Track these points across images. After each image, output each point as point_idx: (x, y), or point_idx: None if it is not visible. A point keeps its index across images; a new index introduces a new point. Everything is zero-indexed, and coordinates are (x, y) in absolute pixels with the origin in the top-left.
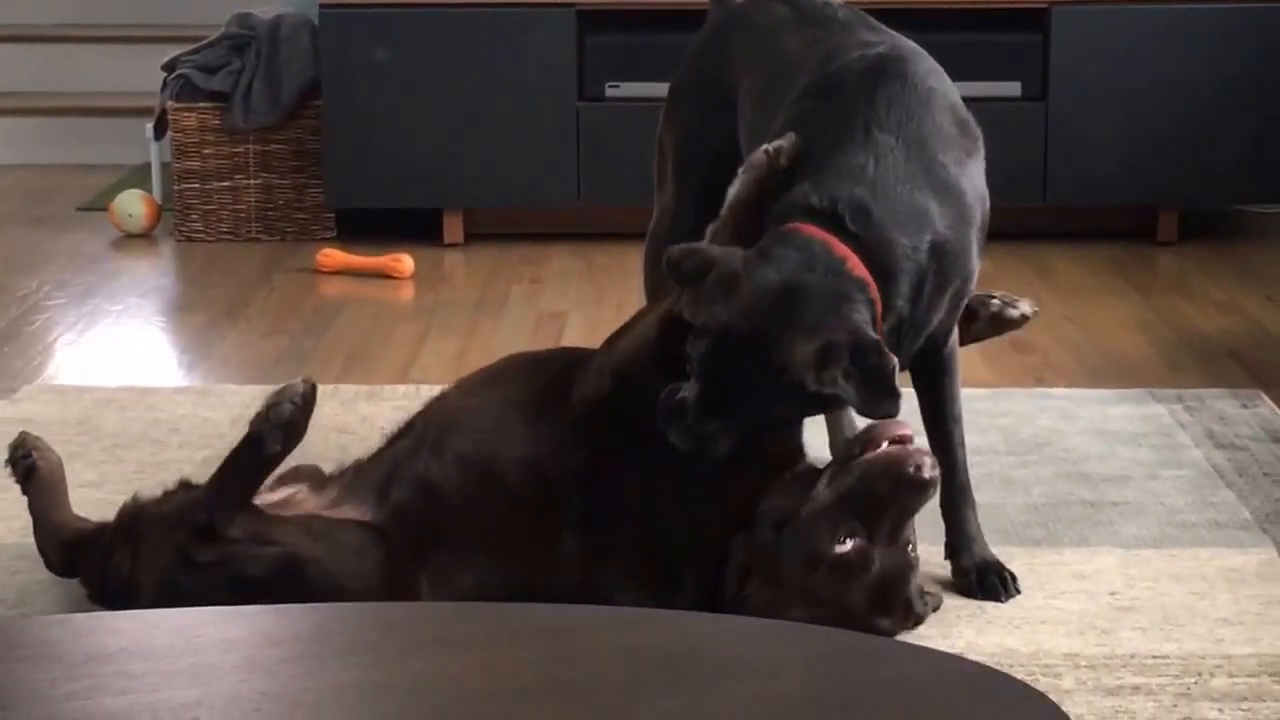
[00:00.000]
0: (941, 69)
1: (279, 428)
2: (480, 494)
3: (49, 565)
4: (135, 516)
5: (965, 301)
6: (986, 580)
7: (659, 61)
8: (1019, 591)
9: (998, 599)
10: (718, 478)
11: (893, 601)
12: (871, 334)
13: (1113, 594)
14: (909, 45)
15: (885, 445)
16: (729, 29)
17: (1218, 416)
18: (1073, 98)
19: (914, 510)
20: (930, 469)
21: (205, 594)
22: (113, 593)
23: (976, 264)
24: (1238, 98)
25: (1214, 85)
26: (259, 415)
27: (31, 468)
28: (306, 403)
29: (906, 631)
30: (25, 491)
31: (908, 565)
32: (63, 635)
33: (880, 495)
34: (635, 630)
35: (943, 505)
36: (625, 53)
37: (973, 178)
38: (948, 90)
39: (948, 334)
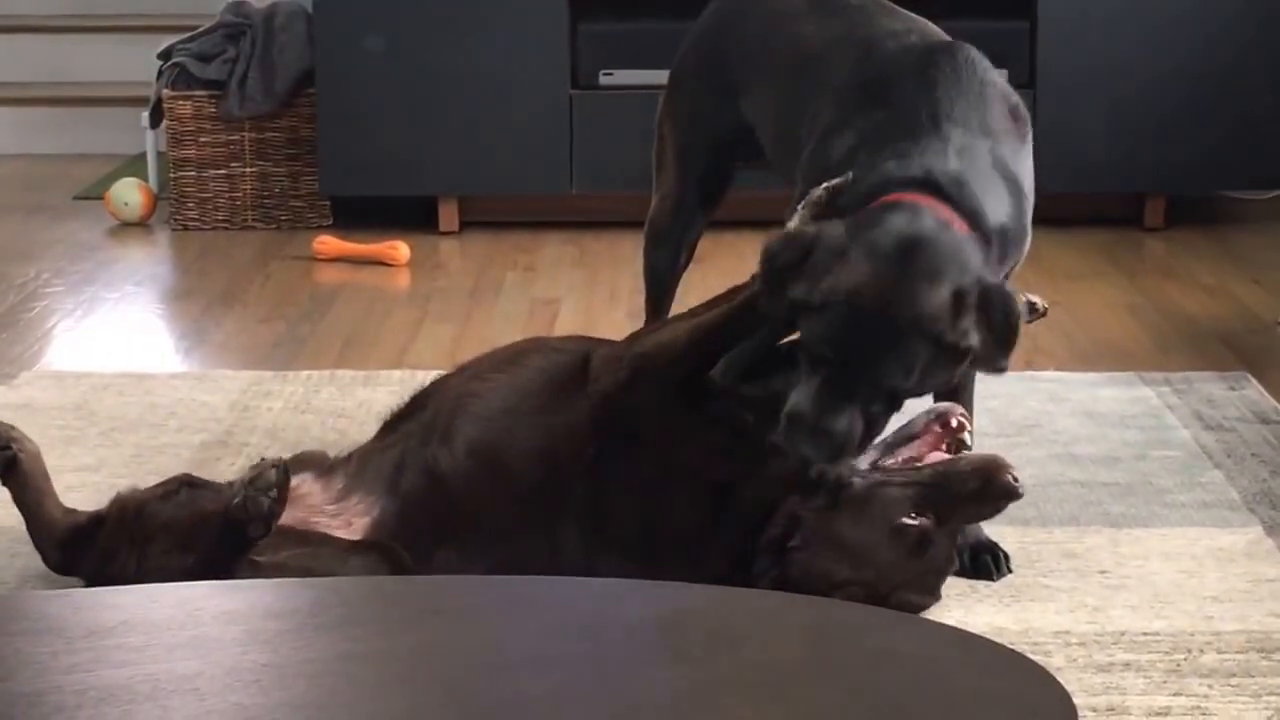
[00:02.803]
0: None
1: (258, 516)
2: (489, 484)
3: (46, 562)
4: (136, 513)
5: (1016, 271)
6: (979, 559)
7: (652, 49)
8: (1010, 570)
9: (989, 578)
10: (726, 477)
11: (932, 585)
12: (990, 276)
13: (1102, 572)
14: (936, 30)
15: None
16: (732, 15)
17: (1206, 399)
18: (1060, 85)
19: (992, 514)
20: (1021, 484)
21: None
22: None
23: (1029, 243)
24: (1224, 84)
25: (1201, 71)
26: (232, 503)
27: (12, 459)
28: (282, 479)
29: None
30: (6, 484)
31: (953, 558)
32: (63, 609)
33: (965, 492)
34: (632, 601)
35: None
36: (618, 40)
37: (1027, 164)
38: (997, 78)
39: None
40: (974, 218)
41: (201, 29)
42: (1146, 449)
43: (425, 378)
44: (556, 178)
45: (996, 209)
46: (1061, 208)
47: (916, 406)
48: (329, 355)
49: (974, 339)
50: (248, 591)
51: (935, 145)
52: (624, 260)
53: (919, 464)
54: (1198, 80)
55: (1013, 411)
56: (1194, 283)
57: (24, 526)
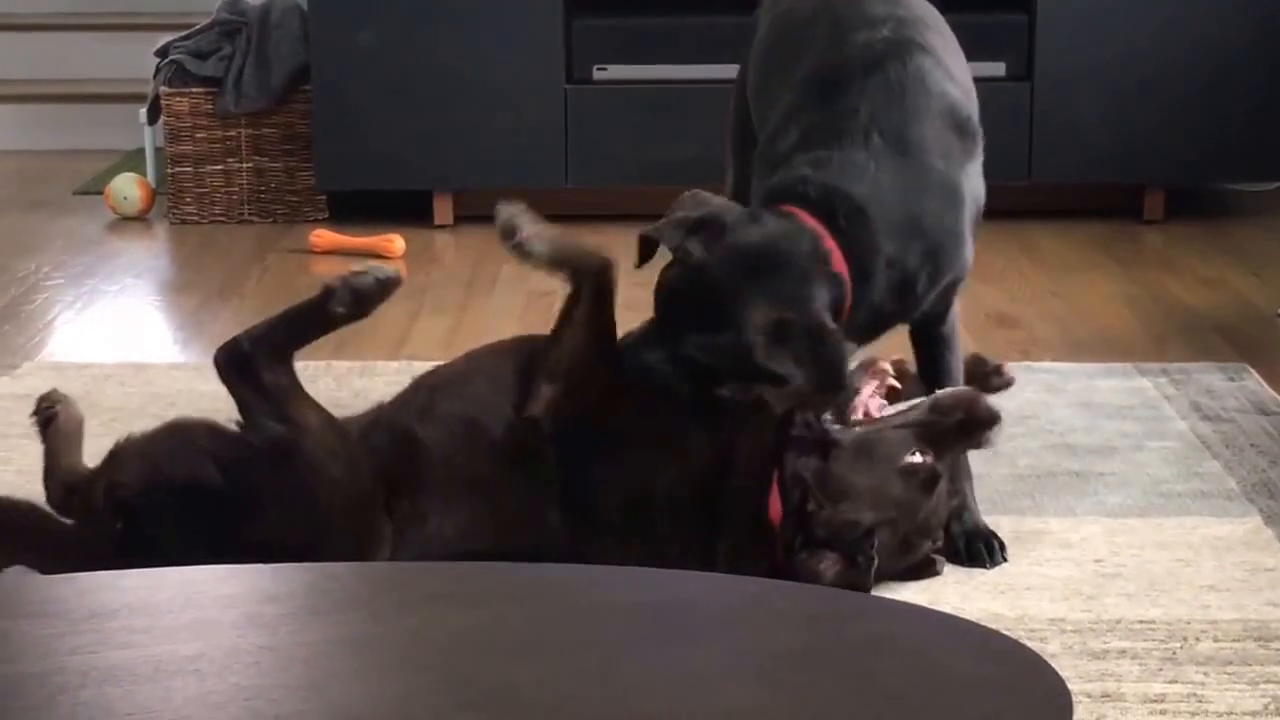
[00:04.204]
0: (942, 54)
1: (351, 292)
2: (463, 449)
3: (49, 500)
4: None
5: (960, 285)
6: (973, 546)
7: (646, 44)
8: (1005, 559)
9: (983, 565)
10: (687, 442)
11: (938, 525)
12: (830, 323)
13: (1098, 561)
14: (911, 29)
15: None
16: None
17: (1204, 390)
18: (1058, 77)
19: (975, 443)
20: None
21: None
22: (105, 507)
23: (969, 258)
24: (1224, 76)
25: (1200, 64)
26: (340, 277)
27: (52, 416)
28: (386, 284)
29: (912, 582)
30: (43, 438)
31: (947, 498)
32: (67, 593)
33: (950, 424)
34: (627, 587)
35: None
36: (613, 36)
37: (969, 178)
38: (946, 89)
39: (945, 313)
40: (866, 253)
41: (198, 26)
42: (1143, 440)
43: (421, 368)
44: (551, 172)
45: (911, 234)
46: (1059, 200)
47: None
48: (325, 346)
49: (789, 371)
50: (247, 576)
51: (856, 159)
52: (619, 254)
53: (902, 409)
54: (1197, 72)
55: (1008, 402)
56: (1192, 275)
57: None
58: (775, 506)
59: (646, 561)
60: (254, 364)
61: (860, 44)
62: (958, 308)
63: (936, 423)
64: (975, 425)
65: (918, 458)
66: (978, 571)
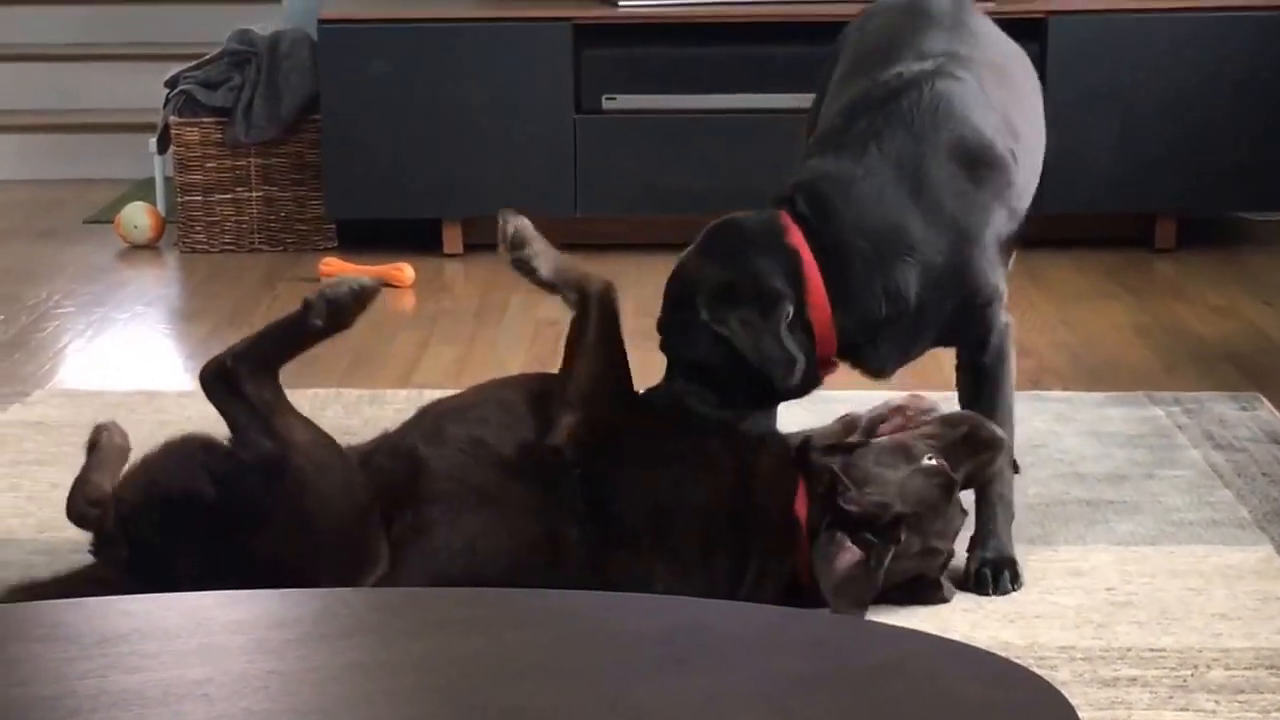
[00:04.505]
0: (983, 87)
1: (328, 303)
2: (471, 465)
3: (69, 514)
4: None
5: (991, 314)
6: (983, 572)
7: (654, 75)
8: (1014, 589)
9: (987, 592)
10: (708, 457)
11: (951, 536)
12: (774, 283)
13: (1109, 590)
14: (957, 64)
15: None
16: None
17: (1216, 419)
18: (1070, 106)
19: (985, 461)
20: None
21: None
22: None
23: (986, 283)
24: (1235, 105)
25: (1211, 93)
26: (318, 290)
27: (96, 441)
28: (362, 295)
29: (920, 608)
30: (86, 458)
31: (961, 517)
32: (76, 618)
33: (958, 436)
34: (636, 614)
35: (977, 505)
36: (621, 66)
37: (977, 206)
38: (967, 118)
39: (981, 343)
40: (836, 246)
41: (208, 57)
42: (1155, 468)
43: (431, 396)
44: (561, 201)
45: (892, 243)
46: (1070, 229)
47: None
48: (335, 374)
49: (735, 332)
50: (256, 601)
51: (845, 169)
52: (627, 283)
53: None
54: (1208, 101)
55: (1019, 430)
56: (1204, 304)
57: (39, 537)
58: (801, 506)
59: (669, 576)
60: (238, 380)
61: (895, 74)
62: (1009, 347)
63: (946, 434)
64: (980, 442)
65: (935, 461)
66: (987, 600)
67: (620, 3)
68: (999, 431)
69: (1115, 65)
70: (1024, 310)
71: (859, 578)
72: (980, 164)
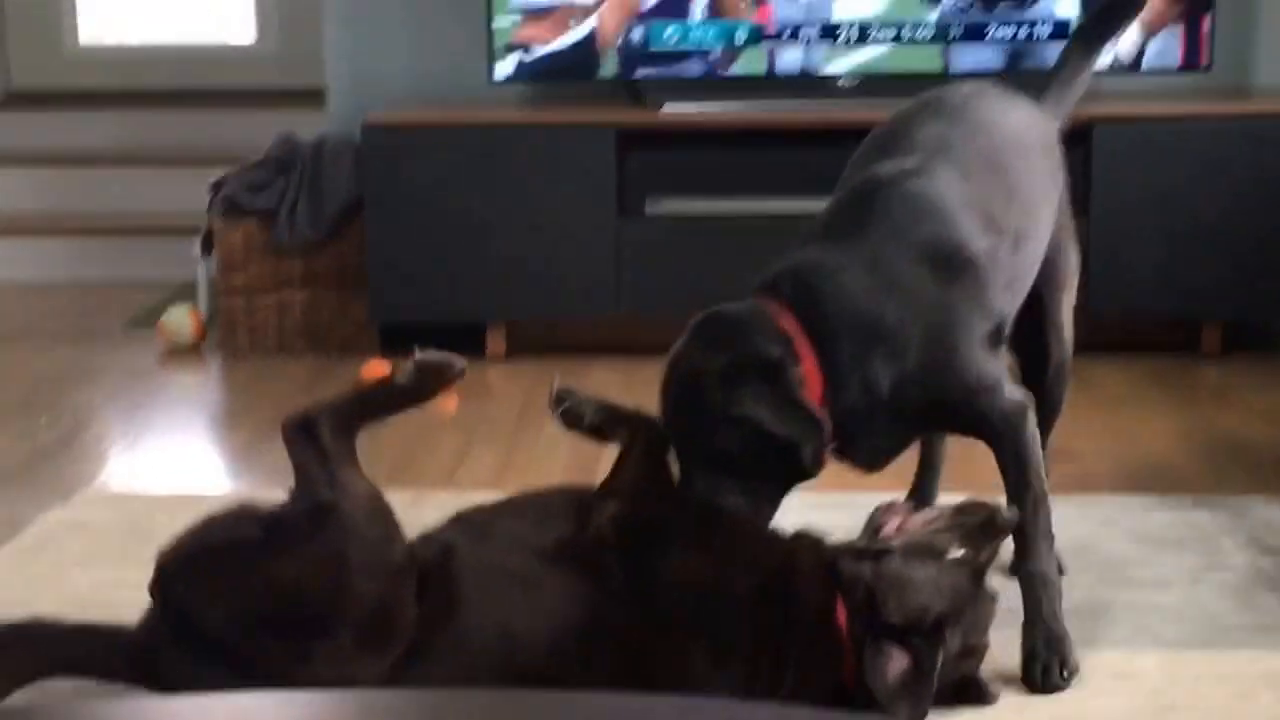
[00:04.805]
0: (962, 183)
1: (417, 367)
2: (508, 554)
3: None
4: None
5: (977, 405)
6: (1032, 669)
7: (696, 179)
8: (1066, 684)
9: (1039, 690)
10: (749, 549)
11: (985, 629)
12: (774, 351)
13: (1155, 693)
14: (936, 158)
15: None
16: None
17: (1263, 523)
18: (1115, 211)
19: (992, 540)
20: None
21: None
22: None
23: (963, 379)
24: None
25: (1256, 199)
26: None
27: None
28: (450, 369)
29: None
30: None
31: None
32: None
33: (975, 523)
34: (664, 716)
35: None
36: (663, 170)
37: (946, 309)
38: (931, 225)
39: (984, 430)
40: (819, 324)
41: (253, 161)
42: (1201, 573)
43: (472, 499)
44: (603, 304)
45: (868, 335)
46: (1116, 333)
47: None
48: (376, 478)
49: (753, 409)
50: (293, 705)
51: (816, 255)
52: None
53: (929, 516)
54: (1253, 207)
55: (1063, 535)
56: (1250, 409)
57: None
58: (841, 613)
59: (707, 668)
60: (318, 430)
61: (877, 171)
62: (1023, 425)
63: (964, 522)
64: (996, 526)
65: (960, 553)
66: (1033, 704)
67: (663, 109)
68: (1010, 513)
69: (1161, 171)
70: (1068, 414)
71: (911, 684)
72: (949, 265)
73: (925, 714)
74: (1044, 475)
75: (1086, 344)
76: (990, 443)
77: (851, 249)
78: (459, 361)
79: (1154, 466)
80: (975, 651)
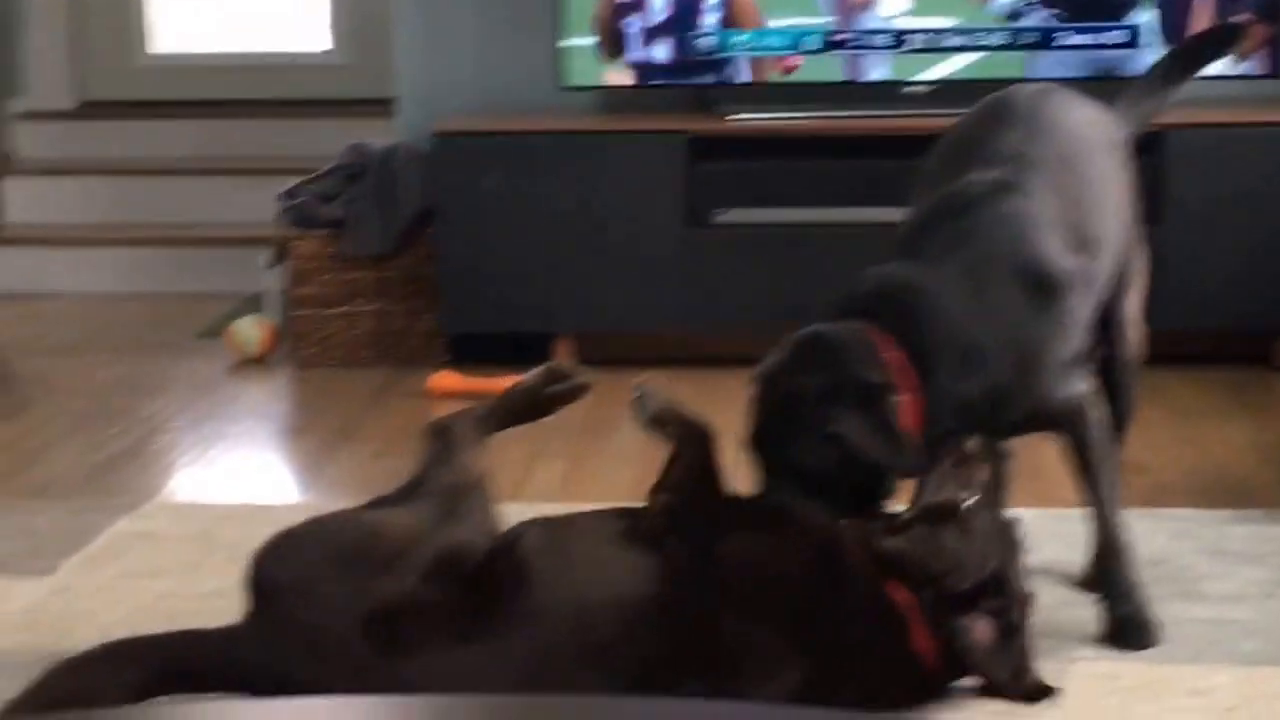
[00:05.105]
0: (1052, 199)
1: (553, 372)
2: (570, 541)
3: None
4: None
5: (1055, 415)
6: (1116, 631)
7: (766, 188)
8: (1150, 644)
9: (1129, 649)
10: (796, 532)
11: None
12: (876, 377)
13: (1230, 710)
14: (1025, 171)
15: None
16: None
17: None
18: (1187, 222)
19: (984, 475)
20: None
21: None
22: None
23: (1049, 398)
24: None
25: None
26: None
27: None
28: (578, 389)
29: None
30: None
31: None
32: None
33: (961, 467)
34: None
35: (1101, 558)
36: (733, 179)
37: (1037, 332)
38: (1021, 246)
39: (1056, 420)
40: (923, 353)
41: (322, 170)
42: (1276, 587)
43: (539, 510)
44: (671, 315)
45: (956, 354)
46: (1188, 345)
47: None
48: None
49: (849, 430)
50: (368, 709)
51: (917, 276)
52: (736, 399)
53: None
54: None
55: (1137, 548)
56: None
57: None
58: (895, 589)
59: (773, 640)
60: (456, 424)
61: (965, 184)
62: (1088, 414)
63: (955, 472)
64: (979, 459)
65: (971, 498)
66: (1102, 719)
67: (730, 116)
68: (987, 442)
69: (1234, 179)
70: (1141, 427)
71: (1005, 647)
72: (1044, 289)
73: (1027, 670)
74: (1113, 455)
75: (1159, 355)
76: (1059, 431)
77: (945, 270)
78: (588, 381)
79: (1228, 479)
80: (1025, 614)
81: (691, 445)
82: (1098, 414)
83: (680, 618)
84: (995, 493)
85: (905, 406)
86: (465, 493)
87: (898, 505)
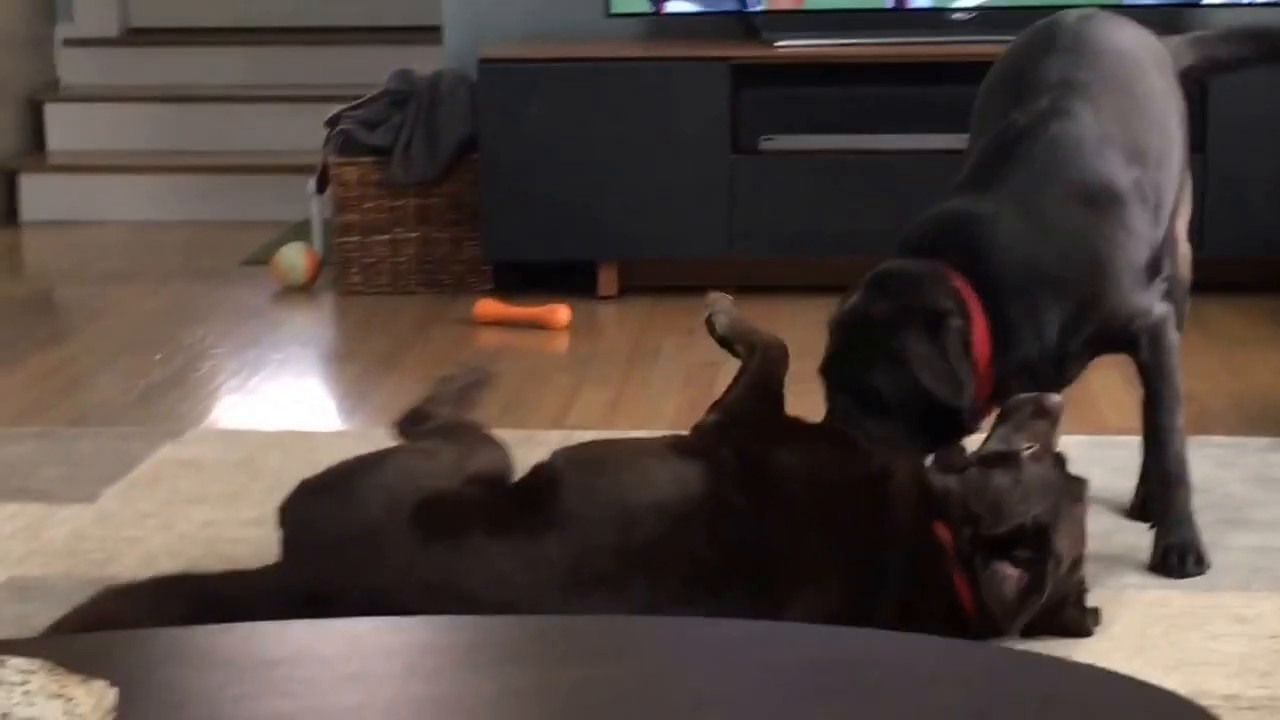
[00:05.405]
0: (1100, 117)
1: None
2: (612, 454)
3: None
4: None
5: (1130, 329)
6: (1168, 559)
7: (812, 114)
8: (1200, 572)
9: (1174, 576)
10: (845, 453)
11: (1082, 537)
12: (944, 304)
13: (1273, 637)
14: (1071, 96)
15: None
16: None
17: None
18: (1231, 148)
19: (1051, 424)
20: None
21: None
22: None
23: (1123, 309)
24: None
25: None
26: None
27: None
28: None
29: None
30: None
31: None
32: (231, 642)
33: (1025, 416)
34: (794, 644)
35: (1151, 490)
36: (779, 106)
37: (1103, 241)
38: (1077, 165)
39: (1131, 344)
40: (994, 291)
41: (367, 96)
42: None
43: (582, 438)
44: (716, 242)
45: (1022, 279)
46: (1231, 273)
47: None
48: (489, 417)
49: (916, 354)
50: (409, 627)
51: (984, 214)
52: (783, 325)
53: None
54: None
55: None
56: None
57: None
58: (942, 529)
59: (820, 553)
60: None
61: (1018, 116)
62: (1165, 335)
63: (1019, 421)
64: (1045, 409)
65: (1028, 450)
66: (1149, 645)
67: (776, 43)
68: (1054, 397)
69: (1277, 107)
70: (1186, 355)
71: (1026, 598)
72: (1099, 203)
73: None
74: (1180, 384)
75: (1202, 284)
76: (1131, 352)
77: (1002, 199)
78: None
79: (1272, 407)
80: (1078, 564)
81: (763, 362)
82: (1174, 338)
83: (725, 524)
84: (1054, 442)
85: (977, 333)
86: (478, 432)
87: (973, 444)
